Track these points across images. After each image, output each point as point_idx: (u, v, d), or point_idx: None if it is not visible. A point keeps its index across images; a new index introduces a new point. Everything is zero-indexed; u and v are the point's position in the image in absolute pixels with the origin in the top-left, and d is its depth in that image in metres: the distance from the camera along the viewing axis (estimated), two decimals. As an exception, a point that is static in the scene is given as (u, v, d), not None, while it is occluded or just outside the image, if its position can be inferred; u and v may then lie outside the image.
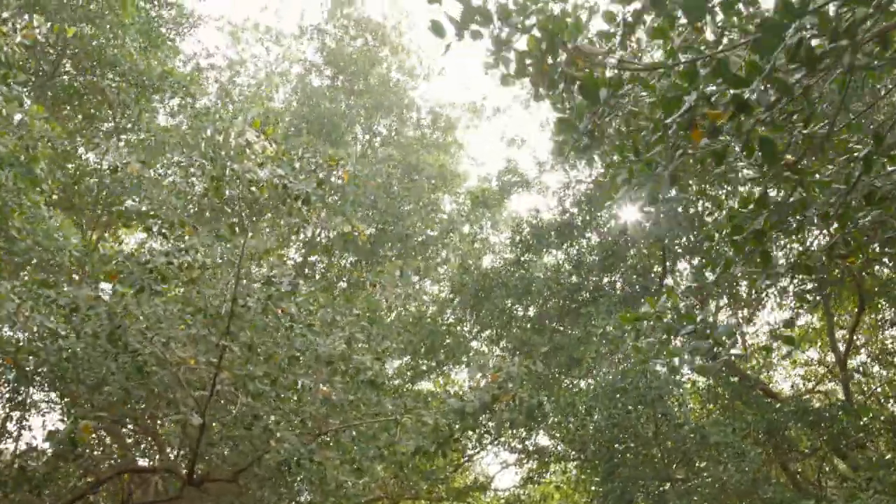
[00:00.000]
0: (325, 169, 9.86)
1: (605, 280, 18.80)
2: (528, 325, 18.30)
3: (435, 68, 23.28)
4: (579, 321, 16.37)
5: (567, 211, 19.50)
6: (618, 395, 13.09)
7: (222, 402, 10.81)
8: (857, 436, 15.55)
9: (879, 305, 20.21)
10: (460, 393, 10.29)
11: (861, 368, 20.58)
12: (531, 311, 18.69)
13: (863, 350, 21.20)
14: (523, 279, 17.98)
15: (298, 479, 11.02)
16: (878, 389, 21.08)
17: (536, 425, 15.85)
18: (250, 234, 10.03)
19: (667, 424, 13.38)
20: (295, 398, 10.78)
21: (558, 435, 16.54)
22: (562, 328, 17.45)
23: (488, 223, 22.65)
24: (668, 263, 19.31)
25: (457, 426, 10.58)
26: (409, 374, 22.43)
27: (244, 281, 10.03)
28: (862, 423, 15.76)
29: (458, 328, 20.85)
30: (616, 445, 13.77)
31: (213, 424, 10.93)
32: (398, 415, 10.52)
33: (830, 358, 21.99)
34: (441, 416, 10.14)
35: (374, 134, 22.84)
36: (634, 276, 18.43)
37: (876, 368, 21.21)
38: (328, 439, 10.74)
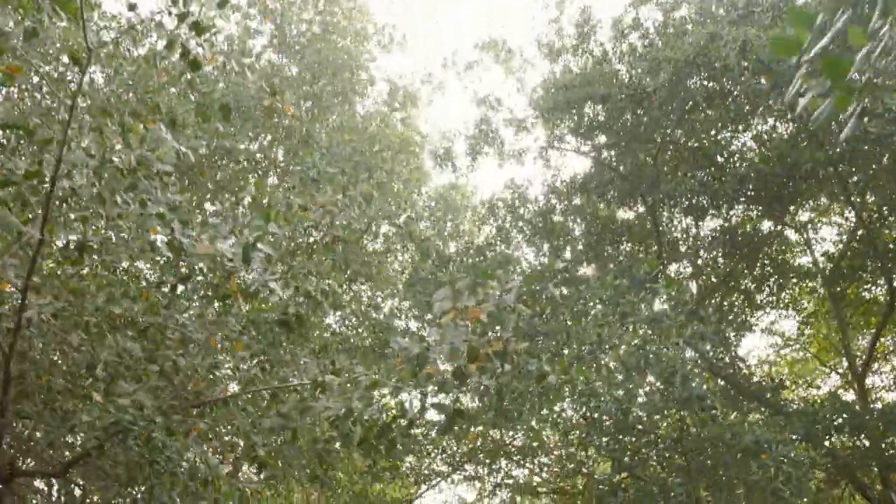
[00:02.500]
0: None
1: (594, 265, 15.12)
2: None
3: (396, 36, 19.57)
4: (567, 301, 12.48)
5: (550, 192, 15.86)
6: (634, 374, 9.16)
7: (52, 346, 6.64)
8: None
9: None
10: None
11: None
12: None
13: (881, 365, 17.60)
14: (496, 259, 14.15)
15: (156, 469, 6.79)
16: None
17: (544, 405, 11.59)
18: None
19: (693, 417, 9.49)
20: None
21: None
22: (545, 316, 13.51)
23: (448, 215, 18.83)
24: (664, 256, 15.71)
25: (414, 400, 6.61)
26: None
27: (79, 148, 5.99)
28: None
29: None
30: (626, 440, 9.77)
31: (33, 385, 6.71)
32: (322, 375, 6.44)
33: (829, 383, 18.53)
34: (388, 372, 6.12)
35: (322, 112, 18.86)
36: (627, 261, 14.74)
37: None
38: (209, 409, 6.56)
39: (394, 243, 18.40)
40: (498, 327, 6.39)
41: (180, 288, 8.50)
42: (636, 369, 9.46)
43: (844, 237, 15.60)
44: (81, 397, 6.30)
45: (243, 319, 6.54)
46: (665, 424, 9.93)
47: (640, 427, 9.98)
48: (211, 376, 6.50)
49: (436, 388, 6.52)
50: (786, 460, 9.47)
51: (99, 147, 5.91)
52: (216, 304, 6.65)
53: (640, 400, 9.76)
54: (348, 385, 6.09)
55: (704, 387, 9.39)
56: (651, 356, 9.43)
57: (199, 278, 6.87)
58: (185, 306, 6.64)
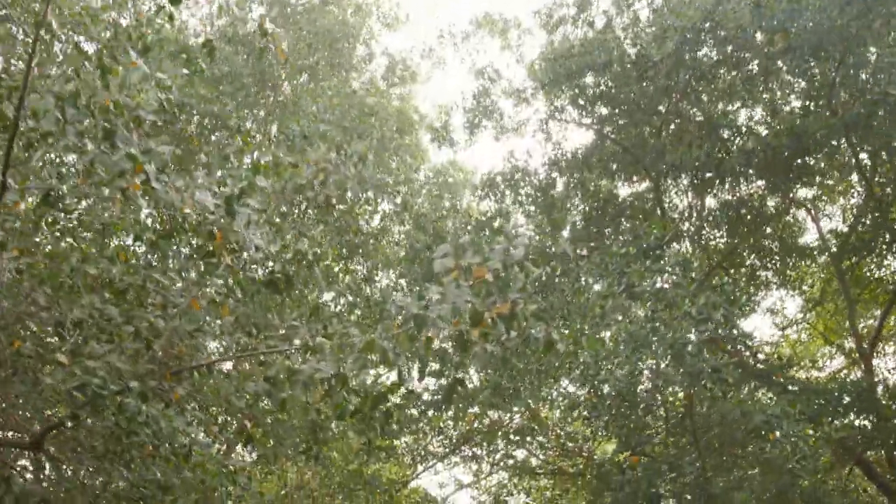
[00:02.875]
0: None
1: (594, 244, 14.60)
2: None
3: (399, 14, 18.89)
4: (568, 275, 11.97)
5: (551, 165, 15.28)
6: (641, 349, 8.64)
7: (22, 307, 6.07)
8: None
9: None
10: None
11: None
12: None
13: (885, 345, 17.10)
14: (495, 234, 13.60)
15: (135, 442, 6.28)
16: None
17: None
18: None
19: (703, 393, 9.00)
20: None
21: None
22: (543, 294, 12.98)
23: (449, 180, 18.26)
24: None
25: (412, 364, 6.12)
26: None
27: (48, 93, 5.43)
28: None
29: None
30: (633, 416, 9.29)
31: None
32: (311, 336, 5.91)
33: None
34: (387, 333, 5.59)
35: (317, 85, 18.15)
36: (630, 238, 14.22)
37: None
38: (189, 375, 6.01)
39: (391, 219, 17.84)
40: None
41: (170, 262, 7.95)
42: (643, 343, 8.96)
43: (854, 210, 15.08)
44: (52, 362, 5.75)
45: (228, 280, 5.99)
46: (672, 400, 9.44)
47: (648, 404, 9.49)
48: (193, 341, 5.95)
49: (435, 359, 6.02)
50: (799, 439, 9.00)
51: (64, 86, 5.34)
52: (200, 264, 6.10)
53: (646, 374, 9.28)
54: (341, 348, 5.54)
55: (714, 360, 8.90)
56: (660, 329, 8.93)
57: (187, 247, 6.31)
58: (166, 267, 6.10)
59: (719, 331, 8.81)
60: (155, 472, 7.15)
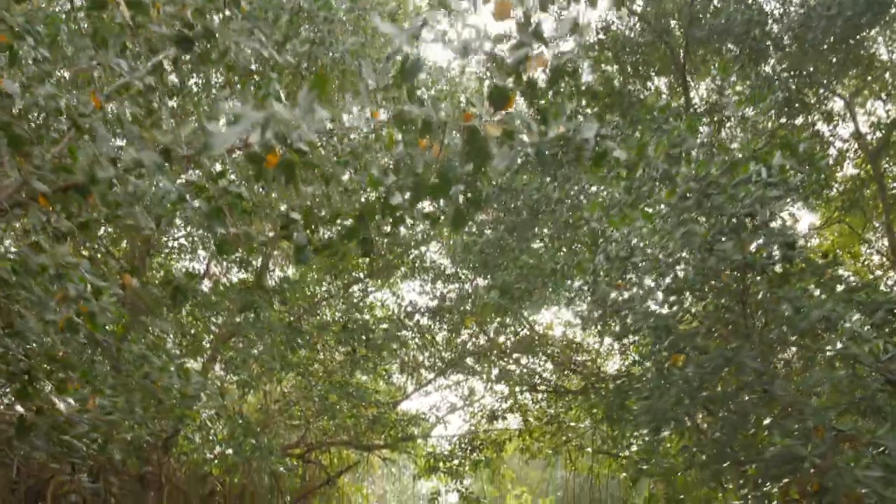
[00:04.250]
0: None
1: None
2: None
3: None
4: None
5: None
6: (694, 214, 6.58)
7: None
8: None
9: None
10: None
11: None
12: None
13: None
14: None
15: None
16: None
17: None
18: None
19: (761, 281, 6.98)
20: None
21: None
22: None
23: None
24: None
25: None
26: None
27: None
28: None
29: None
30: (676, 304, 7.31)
31: None
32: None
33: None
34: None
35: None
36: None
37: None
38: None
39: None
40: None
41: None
42: (695, 211, 6.89)
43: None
44: None
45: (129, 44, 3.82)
46: (724, 285, 7.42)
47: (692, 291, 7.45)
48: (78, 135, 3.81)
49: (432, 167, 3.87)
50: (864, 338, 7.05)
51: None
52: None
53: (692, 254, 7.24)
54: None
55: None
56: (715, 197, 6.85)
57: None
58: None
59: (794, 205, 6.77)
60: (56, 344, 5.11)
